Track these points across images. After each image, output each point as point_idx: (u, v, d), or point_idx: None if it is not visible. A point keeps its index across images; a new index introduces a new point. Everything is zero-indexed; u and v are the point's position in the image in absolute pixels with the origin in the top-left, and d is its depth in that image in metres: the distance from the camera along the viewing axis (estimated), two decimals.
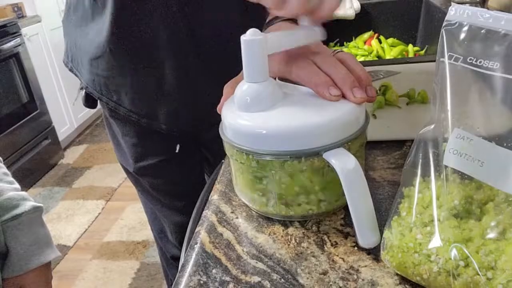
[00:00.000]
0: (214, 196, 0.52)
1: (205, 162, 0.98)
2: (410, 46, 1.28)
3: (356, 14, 1.35)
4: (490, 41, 0.34)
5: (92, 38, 0.73)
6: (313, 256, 0.41)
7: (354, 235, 0.41)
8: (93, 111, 3.40)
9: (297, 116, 0.42)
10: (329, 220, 0.45)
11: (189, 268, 0.41)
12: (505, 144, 0.32)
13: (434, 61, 0.38)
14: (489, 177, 0.33)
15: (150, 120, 0.80)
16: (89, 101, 0.83)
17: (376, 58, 1.26)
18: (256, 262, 0.41)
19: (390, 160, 0.54)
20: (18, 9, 2.77)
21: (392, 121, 0.62)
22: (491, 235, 0.32)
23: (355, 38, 1.40)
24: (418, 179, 0.37)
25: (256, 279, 0.39)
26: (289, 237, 0.44)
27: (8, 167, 0.79)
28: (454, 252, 0.32)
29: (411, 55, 1.24)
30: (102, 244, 2.08)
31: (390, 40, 1.32)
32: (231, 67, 0.55)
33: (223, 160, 0.61)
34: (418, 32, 1.36)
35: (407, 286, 0.36)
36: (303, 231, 0.44)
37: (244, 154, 0.43)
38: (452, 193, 0.34)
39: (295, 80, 0.47)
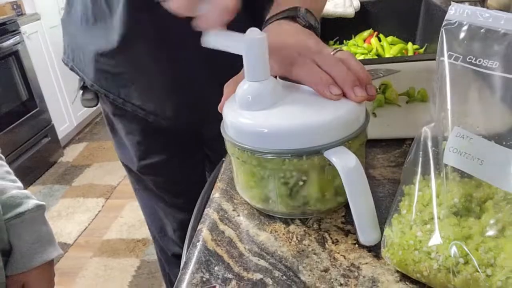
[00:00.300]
0: (216, 194, 0.52)
1: (206, 159, 0.99)
2: (410, 44, 1.28)
3: (355, 12, 1.36)
4: (490, 41, 0.34)
5: (100, 36, 0.73)
6: (314, 254, 0.41)
7: (355, 233, 0.41)
8: (92, 109, 3.40)
9: (298, 114, 0.43)
10: (330, 218, 0.45)
11: (191, 266, 0.42)
12: (504, 143, 0.33)
13: (434, 59, 0.38)
14: (489, 175, 0.33)
15: (157, 116, 0.80)
16: (89, 100, 0.83)
17: (376, 57, 1.26)
18: (258, 260, 0.41)
19: (390, 158, 0.54)
20: (17, 7, 2.76)
21: (392, 120, 0.62)
22: (491, 232, 0.32)
23: (354, 36, 1.40)
24: (418, 177, 0.37)
25: (258, 276, 0.39)
26: (291, 234, 0.44)
27: (8, 165, 0.79)
28: (454, 250, 0.32)
29: (410, 53, 1.24)
30: (102, 242, 2.08)
31: (390, 38, 1.32)
32: (235, 64, 0.55)
33: (223, 158, 0.62)
34: (417, 30, 1.36)
35: (407, 283, 0.36)
36: (304, 228, 0.45)
37: (245, 152, 0.43)
38: (452, 191, 0.34)
39: (296, 79, 0.47)
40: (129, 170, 0.93)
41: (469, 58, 0.35)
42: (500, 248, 0.31)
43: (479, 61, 0.34)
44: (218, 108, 0.49)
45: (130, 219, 2.23)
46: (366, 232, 0.39)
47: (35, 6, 2.85)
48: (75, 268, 1.93)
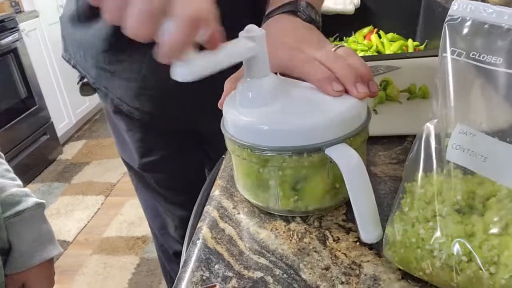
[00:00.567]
0: (216, 192, 0.52)
1: (206, 157, 0.98)
2: (410, 41, 1.27)
3: (355, 9, 1.35)
4: (493, 36, 0.34)
5: (98, 34, 0.73)
6: (315, 252, 0.41)
7: (356, 231, 0.41)
8: (91, 106, 3.39)
9: (299, 111, 0.42)
10: (331, 216, 0.45)
11: (191, 264, 0.41)
12: (508, 139, 0.32)
13: (435, 56, 0.38)
14: (492, 172, 0.33)
15: (154, 117, 0.80)
16: (86, 90, 0.83)
17: (376, 53, 1.25)
18: (259, 258, 0.41)
19: (392, 155, 0.54)
20: (15, 4, 2.75)
21: (393, 116, 0.62)
22: (494, 230, 0.32)
23: (354, 33, 1.39)
24: (420, 174, 0.37)
25: (258, 274, 0.39)
26: (291, 232, 0.44)
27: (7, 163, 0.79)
28: (456, 247, 0.32)
29: (410, 50, 1.23)
30: (101, 240, 2.08)
31: (390, 35, 1.31)
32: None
33: (223, 156, 0.61)
34: (418, 27, 1.35)
35: (409, 281, 0.36)
36: (305, 226, 0.44)
37: (245, 149, 0.43)
38: (454, 188, 0.34)
39: (297, 76, 0.47)
40: (130, 167, 0.93)
41: (473, 54, 0.34)
42: (504, 246, 0.31)
43: (483, 57, 0.34)
44: (218, 104, 0.48)
45: (130, 216, 2.22)
46: (368, 229, 0.39)
47: (34, 3, 2.84)
48: (75, 266, 1.93)
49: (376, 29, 1.37)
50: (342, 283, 0.37)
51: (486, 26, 0.34)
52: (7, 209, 0.70)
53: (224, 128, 0.46)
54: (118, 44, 0.71)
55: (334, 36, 1.40)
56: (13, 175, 0.76)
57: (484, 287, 0.31)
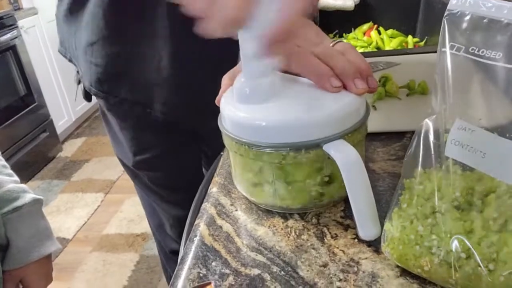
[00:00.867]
0: (213, 189, 0.52)
1: (203, 155, 0.98)
2: (410, 37, 1.27)
3: (355, 5, 1.34)
4: (493, 31, 0.33)
5: (85, 26, 0.72)
6: (313, 249, 0.40)
7: (354, 227, 0.41)
8: (90, 104, 3.39)
9: (297, 107, 0.42)
10: (329, 213, 0.45)
11: (188, 261, 0.41)
12: (507, 135, 0.32)
13: (434, 52, 0.37)
14: (491, 168, 0.32)
15: (145, 108, 0.79)
16: (88, 95, 0.83)
17: (376, 50, 1.25)
18: (256, 255, 0.41)
19: (390, 151, 0.54)
20: (14, 1, 2.74)
21: (392, 113, 0.61)
22: (493, 226, 0.31)
23: (354, 29, 1.39)
24: (419, 170, 0.36)
25: (256, 271, 0.39)
26: (289, 229, 0.43)
27: (6, 160, 0.79)
28: (455, 244, 0.32)
29: (410, 46, 1.23)
30: (101, 237, 2.08)
31: (390, 31, 1.31)
32: (229, 56, 0.55)
33: (222, 153, 0.61)
34: (417, 23, 1.35)
35: (407, 278, 0.36)
36: (303, 223, 0.44)
37: (243, 146, 0.42)
38: (453, 184, 0.34)
39: (295, 72, 0.46)
40: (125, 165, 0.93)
41: (472, 49, 0.34)
42: (503, 243, 0.31)
43: (482, 52, 0.33)
44: (216, 101, 0.48)
45: (129, 214, 2.22)
46: (366, 226, 0.39)
47: (33, 0, 2.83)
48: (74, 263, 1.93)
49: (375, 26, 1.36)
50: (340, 280, 0.37)
51: (485, 20, 0.34)
52: (4, 205, 0.70)
53: (221, 125, 0.45)
54: (107, 36, 0.71)
55: (334, 33, 1.40)
56: (10, 171, 0.75)
57: (483, 284, 0.31)
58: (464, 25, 0.35)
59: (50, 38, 2.90)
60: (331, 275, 0.37)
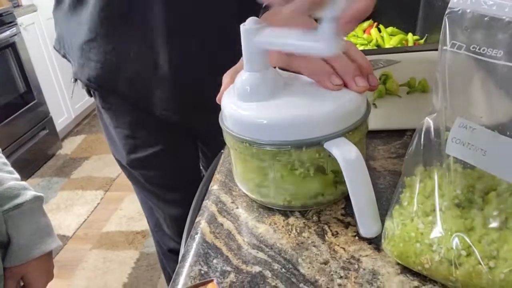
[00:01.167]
0: (214, 186, 0.52)
1: (201, 154, 0.98)
2: (410, 35, 1.26)
3: None
4: (494, 29, 0.33)
5: (84, 23, 0.72)
6: (314, 246, 0.40)
7: (355, 225, 0.41)
8: (91, 101, 3.38)
9: (298, 105, 0.42)
10: (329, 210, 0.45)
11: (189, 258, 0.41)
12: (508, 133, 0.32)
13: (435, 50, 0.37)
14: (492, 166, 0.32)
15: (143, 106, 0.79)
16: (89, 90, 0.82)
17: (375, 47, 1.25)
18: (257, 252, 0.41)
19: (391, 149, 0.54)
20: None
21: (393, 111, 0.61)
22: (494, 224, 0.31)
23: None
24: (420, 168, 0.37)
25: (257, 269, 0.39)
26: (290, 227, 0.43)
27: (6, 158, 0.79)
28: (456, 242, 0.32)
29: (410, 44, 1.23)
30: (101, 234, 2.08)
31: (390, 29, 1.30)
32: (228, 54, 0.54)
33: (222, 150, 0.61)
34: (417, 21, 1.35)
35: (408, 275, 0.36)
36: (304, 221, 0.44)
37: (244, 144, 0.43)
38: (454, 182, 0.34)
39: (296, 70, 0.46)
40: (120, 164, 0.92)
41: (473, 47, 0.34)
42: (503, 240, 0.31)
43: (483, 50, 0.34)
44: (217, 99, 0.48)
45: (129, 211, 2.23)
46: (367, 224, 0.39)
47: None
48: (74, 261, 1.93)
49: (375, 23, 1.36)
50: (341, 277, 0.37)
51: (486, 18, 0.34)
52: (5, 202, 0.70)
53: (222, 122, 0.45)
54: (106, 34, 0.71)
55: None
56: (10, 168, 0.75)
57: (483, 282, 0.31)
58: (465, 23, 0.35)
59: (49, 35, 2.90)
60: (331, 273, 0.37)
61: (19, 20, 2.61)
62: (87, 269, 1.88)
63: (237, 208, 0.47)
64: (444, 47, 0.36)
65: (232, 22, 0.42)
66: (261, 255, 0.40)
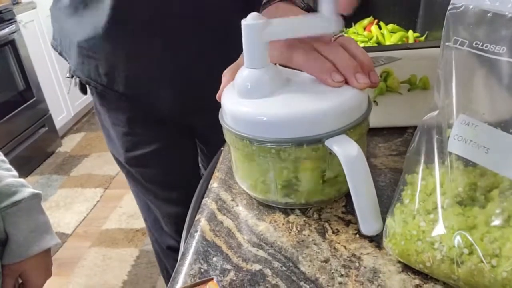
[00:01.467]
0: (214, 184, 0.51)
1: (200, 152, 0.97)
2: (410, 32, 1.26)
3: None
4: (497, 25, 0.33)
5: (86, 22, 0.72)
6: (315, 244, 0.40)
7: (356, 223, 0.41)
8: (90, 98, 3.37)
9: (299, 102, 0.41)
10: (330, 208, 0.45)
11: (189, 257, 0.41)
12: (511, 130, 0.32)
13: (436, 47, 0.37)
14: (494, 163, 0.32)
15: (143, 103, 0.78)
16: (84, 87, 0.82)
17: (376, 44, 1.24)
18: (257, 250, 0.40)
19: (392, 147, 0.53)
20: None
21: (394, 108, 0.61)
22: (496, 222, 0.31)
23: (354, 24, 1.38)
24: (421, 166, 0.36)
25: (257, 267, 0.39)
26: (290, 225, 0.43)
27: (5, 155, 0.78)
28: (458, 240, 0.31)
29: (411, 41, 1.22)
30: (101, 232, 2.08)
31: (390, 26, 1.30)
32: (227, 52, 0.54)
33: (222, 148, 0.61)
34: (418, 18, 1.34)
35: (409, 273, 0.36)
36: (304, 218, 0.44)
37: (244, 141, 0.42)
38: (456, 180, 0.34)
39: (296, 67, 0.46)
40: (118, 162, 0.92)
41: (476, 43, 0.34)
42: (506, 238, 0.30)
43: (486, 46, 0.33)
44: (217, 96, 0.48)
45: (129, 209, 2.22)
46: (368, 222, 0.39)
47: None
48: (74, 258, 1.93)
49: (376, 20, 1.35)
50: (342, 275, 0.36)
51: (489, 14, 0.33)
52: (3, 200, 0.70)
53: (222, 120, 0.45)
54: (107, 32, 0.71)
55: None
56: (8, 165, 0.75)
57: (485, 280, 0.31)
58: (468, 19, 0.34)
59: (49, 33, 2.87)
60: (332, 271, 0.37)
61: (19, 17, 2.60)
62: (87, 266, 1.88)
63: (237, 206, 0.47)
64: (447, 44, 0.35)
65: (233, 20, 0.42)
66: (261, 253, 0.40)
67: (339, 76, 0.42)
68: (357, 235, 0.40)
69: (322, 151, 0.40)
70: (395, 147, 0.53)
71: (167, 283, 1.07)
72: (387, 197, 0.44)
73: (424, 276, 0.35)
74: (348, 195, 0.40)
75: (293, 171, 0.42)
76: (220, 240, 0.42)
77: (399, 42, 1.21)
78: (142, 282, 1.77)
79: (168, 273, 1.11)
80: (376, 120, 0.55)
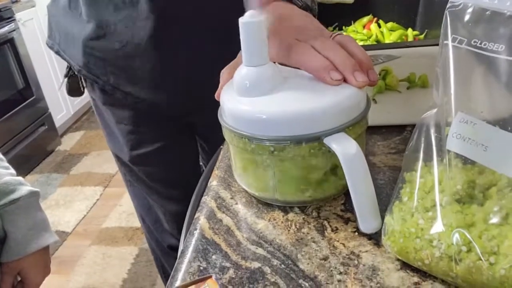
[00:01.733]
0: (213, 182, 0.51)
1: (201, 150, 0.97)
2: (410, 30, 1.26)
3: None
4: (495, 23, 0.33)
5: (88, 20, 0.72)
6: (314, 242, 0.40)
7: (355, 221, 0.41)
8: (89, 97, 3.37)
9: (298, 100, 0.41)
10: (329, 206, 0.45)
11: (188, 254, 0.41)
12: (509, 128, 0.32)
13: (435, 45, 0.37)
14: (493, 161, 0.32)
15: (149, 103, 0.79)
16: (74, 89, 0.82)
17: (375, 43, 1.24)
18: (256, 248, 0.40)
19: (391, 145, 0.53)
20: None
21: (393, 106, 0.61)
22: (494, 220, 0.31)
23: (354, 22, 1.38)
24: (420, 164, 0.36)
25: (256, 265, 0.39)
26: (289, 223, 0.43)
27: (4, 154, 0.79)
28: (456, 237, 0.32)
29: (410, 39, 1.22)
30: (101, 230, 2.08)
31: (389, 24, 1.30)
32: (227, 50, 0.54)
33: (221, 146, 0.61)
34: (417, 16, 1.34)
35: (408, 271, 0.36)
36: (303, 216, 0.44)
37: (243, 139, 0.42)
38: (454, 178, 0.34)
39: (295, 66, 0.46)
40: (120, 161, 0.92)
41: (474, 42, 0.34)
42: (504, 236, 0.30)
43: (484, 45, 0.33)
44: (215, 95, 0.48)
45: (129, 207, 2.22)
46: (367, 219, 0.39)
47: None
48: (74, 257, 1.94)
49: (375, 19, 1.35)
50: (341, 273, 0.37)
51: (488, 12, 0.33)
52: (1, 198, 0.70)
53: (221, 118, 0.45)
54: (111, 32, 0.71)
55: (333, 26, 1.39)
56: (6, 164, 0.75)
57: (483, 277, 0.31)
58: (467, 17, 0.34)
59: None
60: (331, 268, 0.37)
61: (18, 15, 2.60)
62: (87, 265, 1.88)
63: (236, 204, 0.47)
64: (445, 42, 0.35)
65: (234, 20, 0.42)
66: (260, 251, 0.40)
67: (337, 74, 0.42)
68: (356, 233, 0.41)
69: (321, 149, 0.40)
70: (394, 145, 0.53)
71: (165, 283, 1.07)
72: (386, 195, 0.44)
73: (423, 273, 0.35)
74: (347, 193, 0.40)
75: (292, 169, 0.42)
76: (219, 238, 0.42)
77: (398, 40, 1.21)
78: (141, 280, 1.77)
79: (166, 272, 1.11)
80: (375, 118, 0.55)
